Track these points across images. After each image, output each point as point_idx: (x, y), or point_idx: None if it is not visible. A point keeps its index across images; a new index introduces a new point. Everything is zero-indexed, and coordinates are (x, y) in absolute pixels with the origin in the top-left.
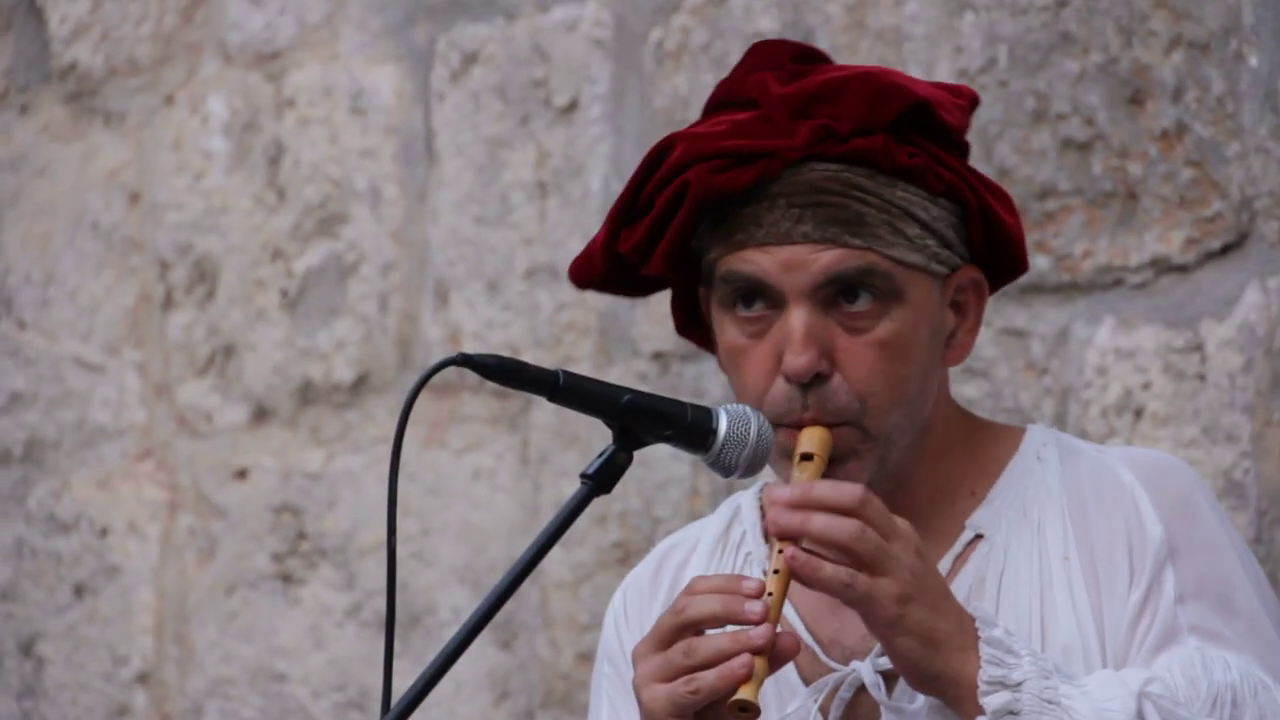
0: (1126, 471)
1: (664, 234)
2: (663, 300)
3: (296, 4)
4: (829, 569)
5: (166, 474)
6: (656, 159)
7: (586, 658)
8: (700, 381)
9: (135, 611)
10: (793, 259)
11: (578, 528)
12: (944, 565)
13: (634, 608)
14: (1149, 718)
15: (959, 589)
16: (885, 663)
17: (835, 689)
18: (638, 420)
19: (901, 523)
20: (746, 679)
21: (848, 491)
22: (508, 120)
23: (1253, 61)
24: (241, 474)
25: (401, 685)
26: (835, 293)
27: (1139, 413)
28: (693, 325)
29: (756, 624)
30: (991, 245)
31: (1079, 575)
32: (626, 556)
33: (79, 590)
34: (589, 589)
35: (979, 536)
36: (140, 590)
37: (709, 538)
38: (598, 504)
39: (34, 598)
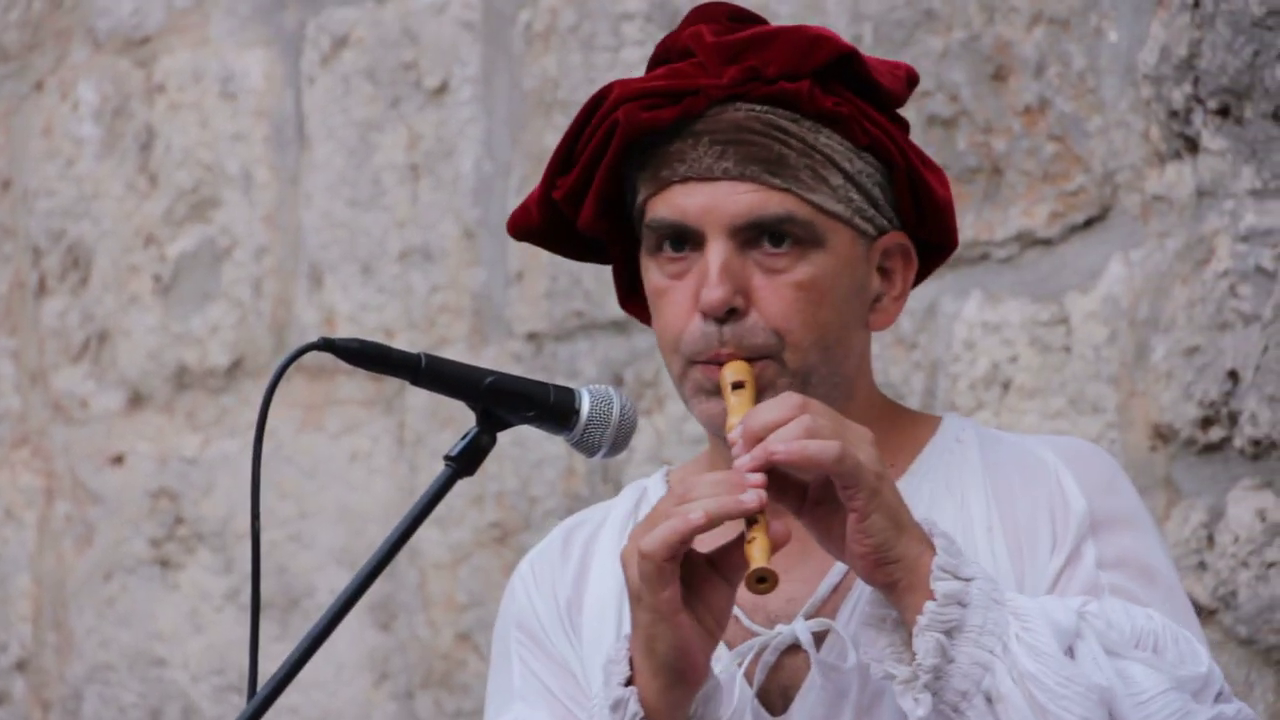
0: (1049, 453)
1: (594, 176)
2: (537, 281)
3: None
4: (815, 444)
5: (42, 460)
6: (593, 106)
7: (465, 637)
8: (574, 362)
9: (13, 598)
10: (713, 199)
11: (454, 508)
12: None
13: (543, 574)
14: (1084, 633)
15: None
16: (816, 624)
17: (759, 653)
18: (500, 402)
19: (850, 421)
20: (752, 511)
21: (785, 402)
22: (378, 103)
23: (1112, 37)
24: (118, 460)
25: (275, 668)
26: (756, 235)
27: (1006, 385)
28: (634, 295)
29: (756, 510)
30: (921, 214)
31: (1002, 545)
32: (504, 536)
33: None
34: (467, 569)
35: None
36: (18, 577)
37: (617, 516)
38: (474, 484)
39: None
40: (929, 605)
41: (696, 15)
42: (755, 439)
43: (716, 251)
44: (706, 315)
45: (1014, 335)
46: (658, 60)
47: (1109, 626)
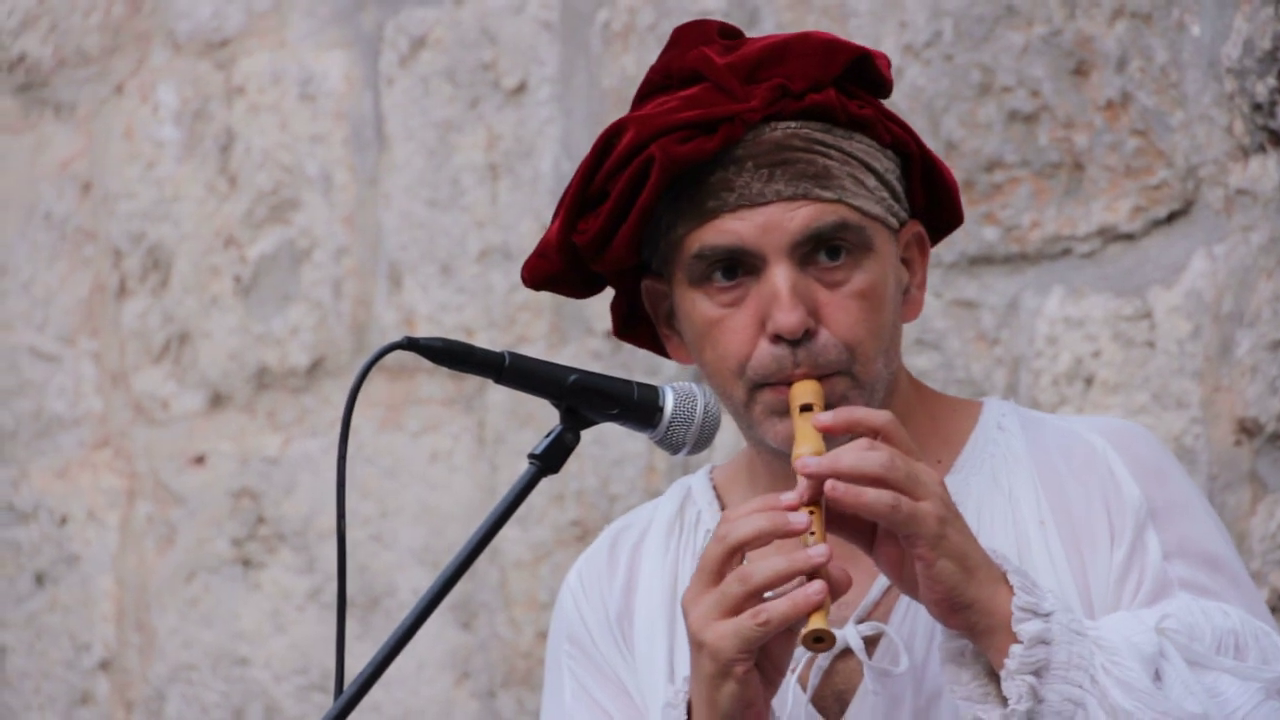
0: (1097, 437)
1: (627, 216)
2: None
3: None
4: (871, 493)
5: (124, 462)
6: (606, 145)
7: (546, 636)
8: (652, 359)
9: (96, 599)
10: (770, 220)
11: (535, 507)
12: None
13: (592, 586)
14: (1167, 652)
15: None
16: (867, 629)
17: (812, 659)
18: (584, 400)
19: (921, 464)
20: (819, 605)
21: (879, 415)
22: (457, 103)
23: (1195, 30)
24: (199, 460)
25: (360, 667)
26: (812, 250)
27: (1089, 381)
28: (631, 326)
29: (800, 533)
30: (931, 197)
31: (1056, 539)
32: (584, 534)
33: (39, 579)
34: (548, 567)
35: None
36: (100, 578)
37: (662, 519)
38: (554, 483)
39: None
40: (1015, 649)
41: (688, 39)
42: (825, 475)
43: (783, 274)
44: (779, 339)
45: (1097, 330)
46: (656, 86)
47: (1191, 639)
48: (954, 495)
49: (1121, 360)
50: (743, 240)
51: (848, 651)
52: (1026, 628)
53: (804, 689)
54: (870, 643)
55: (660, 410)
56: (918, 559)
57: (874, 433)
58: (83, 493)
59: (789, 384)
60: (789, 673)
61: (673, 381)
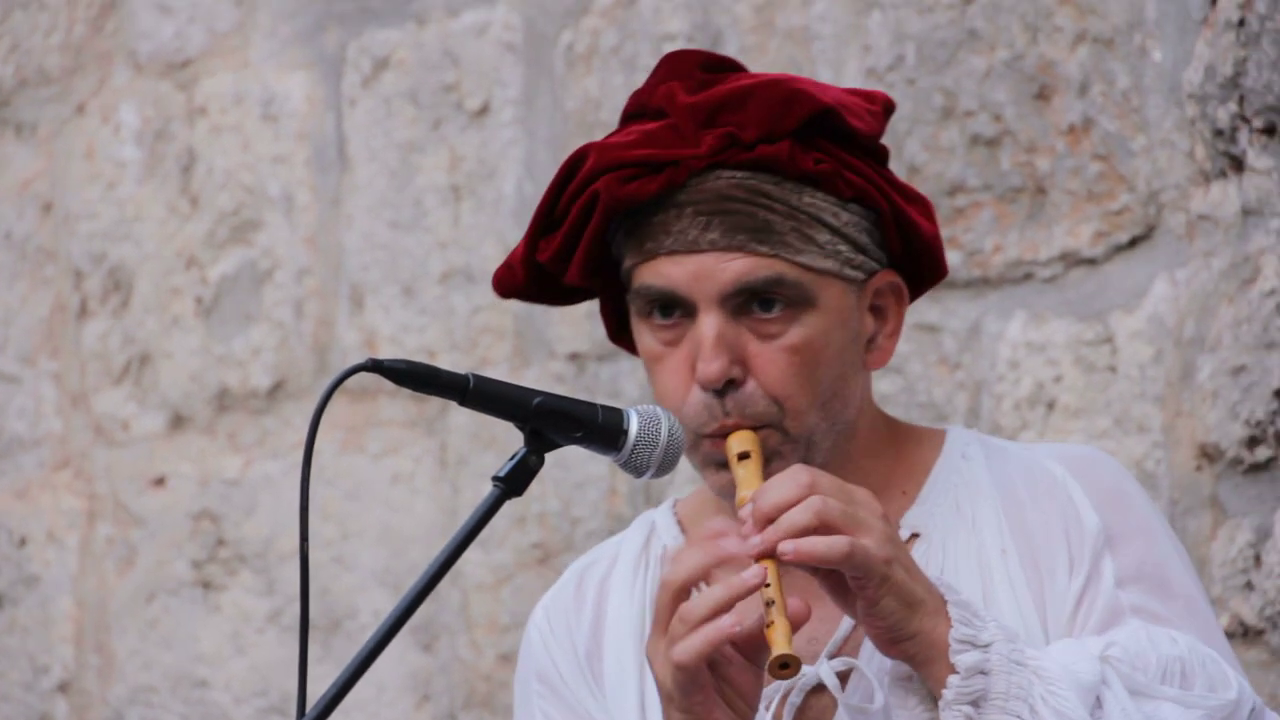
0: (1057, 465)
1: (578, 244)
2: (579, 303)
3: (207, 12)
4: (822, 545)
5: (84, 483)
6: (571, 170)
7: (508, 658)
8: (616, 382)
9: (55, 620)
10: (701, 268)
11: (497, 529)
12: None
13: (560, 623)
14: (1109, 680)
15: None
16: (840, 664)
17: (785, 695)
18: (549, 422)
19: (859, 490)
20: (754, 589)
21: (794, 481)
22: (420, 125)
23: (1156, 56)
24: (159, 482)
25: (322, 690)
26: (746, 301)
27: (1051, 405)
28: (624, 332)
29: (731, 556)
30: (909, 251)
31: (1018, 567)
32: (546, 557)
33: None
34: (509, 590)
35: (915, 535)
36: (60, 599)
37: (628, 554)
38: (516, 505)
39: None
40: (952, 679)
41: (667, 69)
42: (766, 520)
43: (710, 323)
44: (705, 387)
45: (1058, 355)
46: (630, 114)
47: (1134, 668)
48: (918, 525)
49: (1083, 385)
50: (674, 286)
51: (820, 688)
52: (964, 659)
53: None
54: (842, 679)
55: (625, 433)
56: (862, 598)
57: (811, 489)
58: (42, 513)
59: (724, 436)
60: (764, 710)
61: (637, 405)
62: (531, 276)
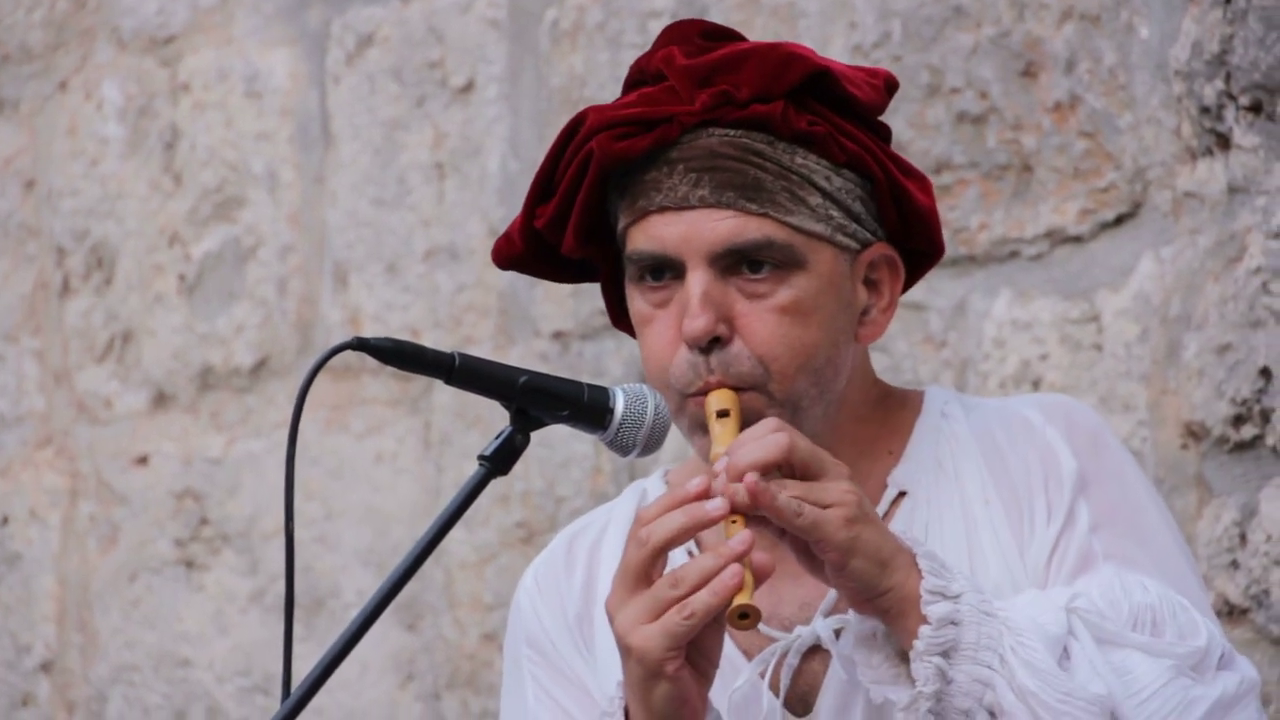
0: (1035, 413)
1: (572, 205)
2: (578, 282)
3: None
4: (782, 497)
5: (67, 461)
6: (570, 133)
7: (492, 638)
8: (600, 361)
9: (37, 599)
10: (691, 228)
11: (480, 508)
12: None
13: (549, 588)
14: (1076, 630)
15: None
16: (835, 622)
17: (782, 657)
18: (534, 401)
19: (830, 459)
20: (739, 588)
21: (767, 437)
22: (404, 102)
23: (1143, 33)
24: (142, 460)
25: (305, 669)
26: (735, 261)
27: (1037, 383)
28: (625, 317)
29: (718, 520)
30: (905, 224)
31: (1001, 515)
32: (530, 536)
33: None
34: (493, 569)
35: (902, 494)
36: (42, 578)
37: (619, 519)
38: (500, 484)
39: None
40: (924, 630)
41: (669, 35)
42: (739, 476)
43: (697, 281)
44: (690, 345)
45: (1044, 333)
46: (632, 82)
47: (1102, 617)
48: (904, 483)
49: (1069, 363)
50: (665, 247)
51: (811, 652)
52: (935, 609)
53: (776, 694)
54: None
55: (610, 412)
56: (828, 560)
57: (787, 448)
58: (25, 492)
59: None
60: (756, 675)
61: (621, 383)
62: (530, 245)
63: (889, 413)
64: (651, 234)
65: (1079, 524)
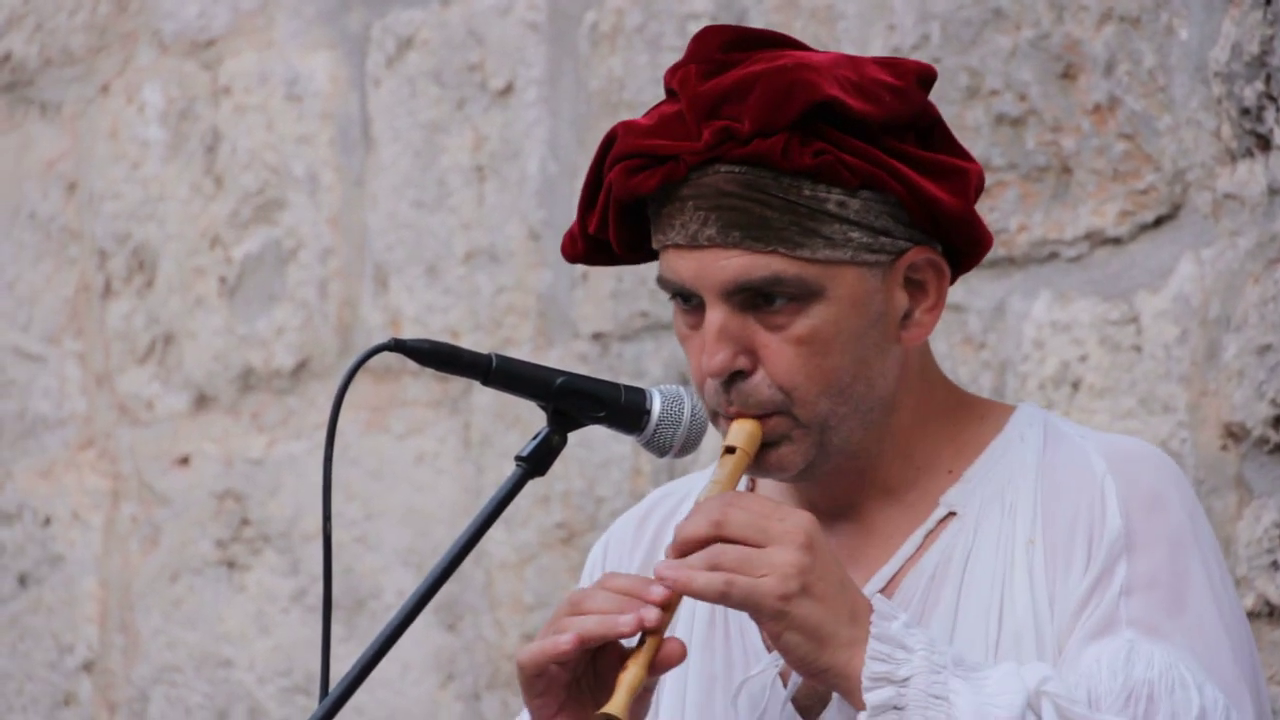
0: (1100, 460)
1: (609, 222)
2: (603, 281)
3: None
4: (701, 579)
5: (108, 463)
6: (604, 149)
7: (532, 638)
8: (640, 362)
9: (80, 600)
10: (702, 265)
11: (520, 509)
12: (914, 540)
13: (614, 555)
14: (1044, 713)
15: (925, 565)
16: None
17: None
18: (571, 402)
19: (787, 522)
20: (628, 628)
21: (692, 526)
22: (444, 105)
23: (1183, 34)
24: (184, 461)
25: (345, 669)
26: (751, 295)
27: (1076, 385)
28: None
29: (627, 634)
30: (938, 227)
31: (1040, 560)
32: (570, 537)
33: (23, 580)
34: (533, 570)
35: (952, 514)
36: (84, 579)
37: (700, 491)
38: (540, 485)
39: None
40: (861, 716)
41: (693, 46)
42: (679, 553)
43: (714, 316)
44: (711, 379)
45: (1084, 334)
46: (668, 88)
47: (1072, 701)
48: (956, 505)
49: (1108, 364)
50: (683, 280)
51: None
52: (874, 696)
53: (784, 684)
54: None
55: (647, 413)
56: (764, 630)
57: (697, 543)
58: (67, 493)
59: (731, 419)
60: (772, 666)
61: (660, 384)
62: (589, 246)
63: (960, 427)
64: (671, 267)
65: (1113, 585)
